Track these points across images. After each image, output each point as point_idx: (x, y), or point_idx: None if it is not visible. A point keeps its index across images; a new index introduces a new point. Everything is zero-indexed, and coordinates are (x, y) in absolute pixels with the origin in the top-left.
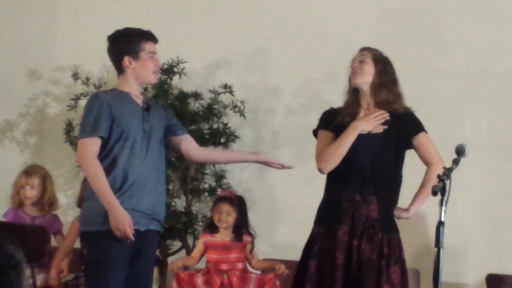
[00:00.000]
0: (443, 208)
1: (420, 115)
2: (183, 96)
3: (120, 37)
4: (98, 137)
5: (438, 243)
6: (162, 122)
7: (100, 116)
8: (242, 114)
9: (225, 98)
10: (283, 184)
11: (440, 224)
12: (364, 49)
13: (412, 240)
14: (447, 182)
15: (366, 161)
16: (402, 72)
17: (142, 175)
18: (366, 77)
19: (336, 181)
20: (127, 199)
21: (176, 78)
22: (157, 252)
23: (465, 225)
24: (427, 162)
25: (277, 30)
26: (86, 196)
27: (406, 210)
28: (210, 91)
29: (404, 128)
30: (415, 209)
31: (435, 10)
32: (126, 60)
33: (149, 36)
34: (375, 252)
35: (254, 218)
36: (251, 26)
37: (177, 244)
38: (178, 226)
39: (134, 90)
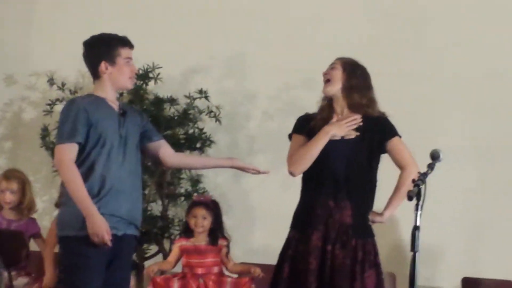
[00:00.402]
0: (419, 212)
1: (400, 118)
2: (159, 102)
3: (97, 42)
4: (75, 142)
5: (413, 247)
6: (137, 127)
7: (77, 122)
8: (217, 119)
9: (200, 103)
10: (258, 189)
11: (416, 228)
12: (335, 59)
13: (388, 244)
14: (422, 187)
15: (339, 166)
16: (379, 76)
17: (120, 180)
18: (336, 84)
19: (310, 186)
20: (104, 204)
21: (151, 83)
22: (134, 256)
23: (441, 230)
24: (400, 166)
25: (253, 35)
26: (63, 201)
27: (381, 214)
28: (186, 96)
29: (378, 133)
30: (390, 213)
31: (415, 14)
32: (103, 65)
33: (125, 42)
34: (348, 258)
35: (229, 222)
36: (228, 31)
37: (153, 248)
38: (155, 230)
39: (110, 95)
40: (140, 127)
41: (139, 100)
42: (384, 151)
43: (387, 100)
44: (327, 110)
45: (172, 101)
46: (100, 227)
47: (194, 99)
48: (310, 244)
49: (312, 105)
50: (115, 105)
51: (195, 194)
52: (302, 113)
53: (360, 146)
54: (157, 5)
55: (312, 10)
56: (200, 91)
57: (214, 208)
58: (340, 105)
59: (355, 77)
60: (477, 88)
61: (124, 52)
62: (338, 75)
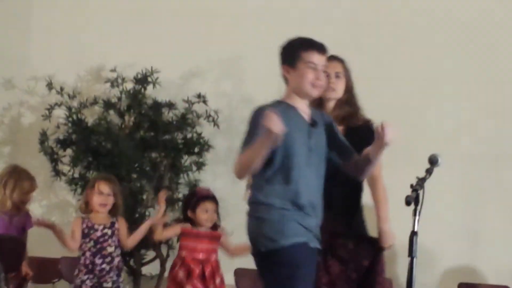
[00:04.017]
0: (417, 218)
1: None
2: (157, 106)
3: (285, 45)
4: None
5: (411, 252)
6: (325, 136)
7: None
8: (215, 124)
9: (198, 107)
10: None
11: (413, 233)
12: (336, 60)
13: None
14: (420, 192)
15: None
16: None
17: (310, 194)
18: (338, 93)
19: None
20: (300, 218)
21: (150, 87)
22: (131, 262)
23: (438, 235)
24: (370, 177)
25: (251, 39)
26: (257, 216)
27: (383, 234)
28: (184, 100)
29: (360, 141)
30: (385, 233)
31: (394, 17)
32: (284, 68)
33: (310, 45)
34: (344, 264)
35: (228, 227)
36: (225, 35)
37: (151, 254)
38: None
39: (299, 103)
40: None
41: (137, 104)
42: None
43: (377, 104)
44: None
45: (171, 105)
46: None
47: (192, 103)
48: None
49: None
50: (305, 114)
51: (199, 187)
52: None
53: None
54: (155, 9)
55: (309, 13)
56: (198, 96)
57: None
58: (330, 113)
59: (352, 89)
60: (474, 91)
61: (307, 55)
62: (342, 87)
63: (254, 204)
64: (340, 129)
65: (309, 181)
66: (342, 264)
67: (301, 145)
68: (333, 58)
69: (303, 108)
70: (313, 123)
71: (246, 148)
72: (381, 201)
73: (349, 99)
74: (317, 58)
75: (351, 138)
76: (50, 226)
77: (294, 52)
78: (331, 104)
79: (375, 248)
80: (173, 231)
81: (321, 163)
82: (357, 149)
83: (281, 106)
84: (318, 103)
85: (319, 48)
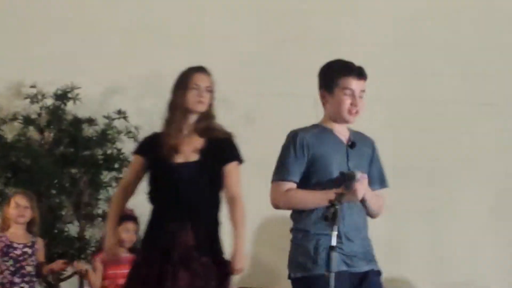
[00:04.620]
0: (335, 233)
1: None
2: (77, 122)
3: (323, 69)
4: (289, 181)
5: (329, 267)
6: (367, 160)
7: (293, 160)
8: (136, 140)
9: (119, 123)
10: None
11: (331, 249)
12: (207, 73)
13: None
14: (339, 207)
15: (183, 190)
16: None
17: (352, 216)
18: (205, 107)
19: (156, 208)
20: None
21: (70, 104)
22: (49, 278)
23: None
24: (230, 196)
25: (170, 55)
26: (293, 241)
27: (235, 260)
28: (104, 116)
29: (219, 154)
30: (240, 255)
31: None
32: (321, 93)
33: (348, 71)
34: (197, 278)
35: None
36: (145, 51)
37: (69, 269)
38: (71, 251)
39: (335, 126)
40: (369, 160)
41: (57, 120)
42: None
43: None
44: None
45: (91, 121)
46: None
47: (113, 119)
48: (154, 267)
49: (228, 124)
50: (343, 135)
51: None
52: None
53: (203, 167)
54: (75, 25)
55: (223, 31)
56: (119, 112)
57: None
58: (192, 125)
59: (212, 102)
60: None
61: (344, 82)
62: (210, 100)
63: (292, 231)
64: (201, 141)
65: (353, 210)
66: (193, 277)
67: (339, 165)
68: (205, 72)
69: (340, 130)
70: (351, 145)
71: (281, 172)
72: (239, 222)
73: (210, 111)
74: (355, 84)
75: (212, 150)
76: None
77: (332, 77)
78: (195, 117)
79: (226, 269)
80: (99, 272)
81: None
82: (216, 161)
83: (316, 129)
84: (182, 115)
85: (357, 73)
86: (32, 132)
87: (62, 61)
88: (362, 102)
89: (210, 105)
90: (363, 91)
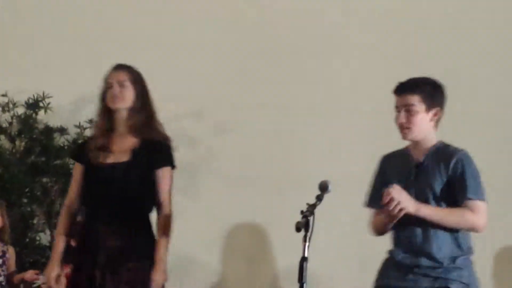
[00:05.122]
0: (307, 244)
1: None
2: (49, 131)
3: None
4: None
5: (301, 278)
6: (435, 180)
7: (372, 185)
8: None
9: (90, 133)
10: None
11: (304, 259)
12: (121, 69)
13: (278, 274)
14: (311, 218)
15: (110, 191)
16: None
17: (407, 236)
18: (126, 103)
19: (88, 211)
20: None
21: (41, 113)
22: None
23: (329, 261)
24: (158, 202)
25: (140, 64)
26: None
27: (154, 272)
28: (76, 126)
29: (152, 157)
30: (159, 266)
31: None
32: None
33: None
34: (122, 284)
35: None
36: (115, 60)
37: (41, 278)
38: (43, 260)
39: (411, 145)
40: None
41: (28, 129)
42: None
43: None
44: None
45: (62, 130)
46: None
47: (85, 128)
48: (82, 271)
49: (200, 134)
50: (416, 154)
51: None
52: (191, 143)
53: (133, 169)
54: (45, 34)
55: (197, 41)
56: (90, 121)
57: None
58: (123, 124)
59: (143, 96)
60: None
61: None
62: (130, 94)
63: None
64: (134, 141)
65: (405, 220)
66: (118, 284)
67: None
68: (118, 68)
69: (416, 149)
70: (421, 163)
71: (368, 197)
72: (161, 231)
73: (138, 106)
74: (397, 101)
75: (145, 151)
76: None
77: None
78: (123, 114)
79: (148, 277)
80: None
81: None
82: (148, 164)
83: (396, 153)
84: (107, 115)
85: (396, 89)
86: (3, 141)
87: (34, 70)
88: (408, 116)
89: (139, 100)
90: (406, 105)
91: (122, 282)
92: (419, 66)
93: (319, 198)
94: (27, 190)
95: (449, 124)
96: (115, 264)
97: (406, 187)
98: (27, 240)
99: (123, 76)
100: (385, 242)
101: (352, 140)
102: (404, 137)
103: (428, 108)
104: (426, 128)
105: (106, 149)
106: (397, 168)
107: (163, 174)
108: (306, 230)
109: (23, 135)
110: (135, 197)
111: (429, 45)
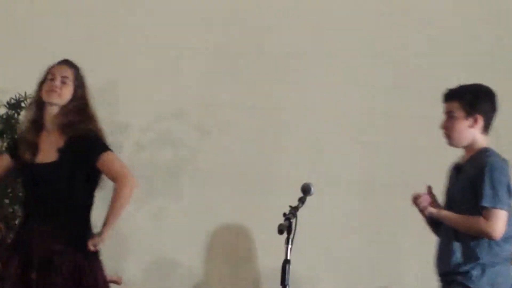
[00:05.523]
0: (289, 246)
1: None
2: None
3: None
4: None
5: (284, 281)
6: (464, 186)
7: None
8: None
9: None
10: (129, 221)
11: (286, 262)
12: (66, 64)
13: (261, 276)
14: (293, 221)
15: (40, 191)
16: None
17: (440, 245)
18: (62, 100)
19: (22, 210)
20: None
21: (23, 113)
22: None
23: (312, 264)
24: (113, 178)
25: (124, 66)
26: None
27: (100, 235)
28: None
29: (83, 152)
30: (107, 232)
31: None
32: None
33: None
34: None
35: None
36: (98, 61)
37: None
38: None
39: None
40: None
41: (10, 129)
42: (97, 171)
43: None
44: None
45: None
46: None
47: None
48: (10, 272)
49: (183, 135)
50: (464, 160)
51: None
52: (174, 144)
53: (61, 168)
54: (27, 33)
55: (180, 43)
56: None
57: None
58: (51, 120)
59: (82, 98)
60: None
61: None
62: (68, 92)
63: None
64: (61, 139)
65: (442, 231)
66: (50, 286)
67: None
68: (65, 63)
69: (465, 154)
70: (460, 168)
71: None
72: (116, 198)
73: (78, 108)
74: (444, 108)
75: (73, 150)
76: None
77: None
78: (54, 110)
79: (86, 278)
80: None
81: (454, 209)
82: (75, 158)
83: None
84: (39, 106)
85: (442, 97)
86: None
87: (15, 70)
88: (447, 122)
89: (74, 102)
90: (447, 112)
91: (53, 285)
92: (407, 67)
93: (302, 201)
94: (9, 190)
95: None
96: (48, 266)
97: (448, 190)
98: (9, 240)
99: (68, 73)
100: (368, 245)
101: (336, 142)
102: (447, 142)
103: (468, 115)
104: (467, 135)
105: (35, 147)
106: (450, 176)
107: (105, 159)
108: (289, 233)
109: (5, 136)
110: (66, 197)
111: (417, 45)
